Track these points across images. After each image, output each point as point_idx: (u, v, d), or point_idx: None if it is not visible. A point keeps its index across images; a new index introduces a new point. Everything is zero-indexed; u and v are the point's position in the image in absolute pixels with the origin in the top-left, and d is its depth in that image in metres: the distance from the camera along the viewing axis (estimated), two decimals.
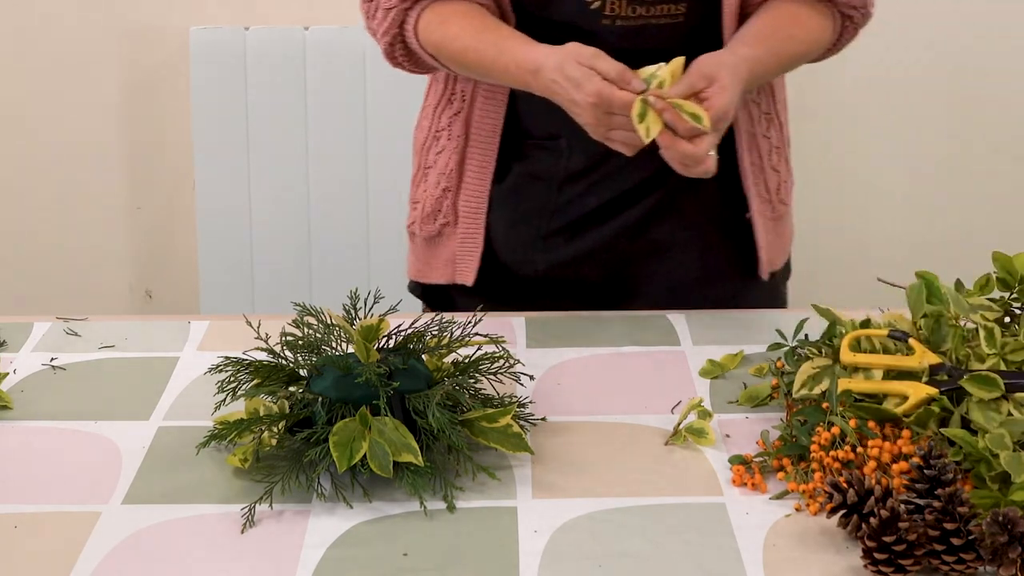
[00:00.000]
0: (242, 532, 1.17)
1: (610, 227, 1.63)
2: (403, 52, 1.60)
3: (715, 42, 1.53)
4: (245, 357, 1.31)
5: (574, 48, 1.41)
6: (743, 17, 1.55)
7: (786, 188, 1.71)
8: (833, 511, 1.13)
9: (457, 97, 1.64)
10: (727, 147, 1.59)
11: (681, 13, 1.52)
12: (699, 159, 1.37)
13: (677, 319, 1.57)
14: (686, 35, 1.53)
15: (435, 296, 1.72)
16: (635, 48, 1.48)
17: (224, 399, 1.29)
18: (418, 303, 1.75)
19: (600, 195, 1.62)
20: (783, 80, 1.71)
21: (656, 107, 1.36)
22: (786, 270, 1.77)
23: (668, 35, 1.53)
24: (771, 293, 1.72)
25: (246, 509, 1.18)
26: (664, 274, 1.65)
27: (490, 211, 1.65)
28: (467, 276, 1.66)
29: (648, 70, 1.38)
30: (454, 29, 1.53)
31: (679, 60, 1.39)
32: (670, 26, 1.52)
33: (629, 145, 1.40)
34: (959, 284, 1.41)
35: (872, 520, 1.08)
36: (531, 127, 1.61)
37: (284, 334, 1.32)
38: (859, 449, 1.21)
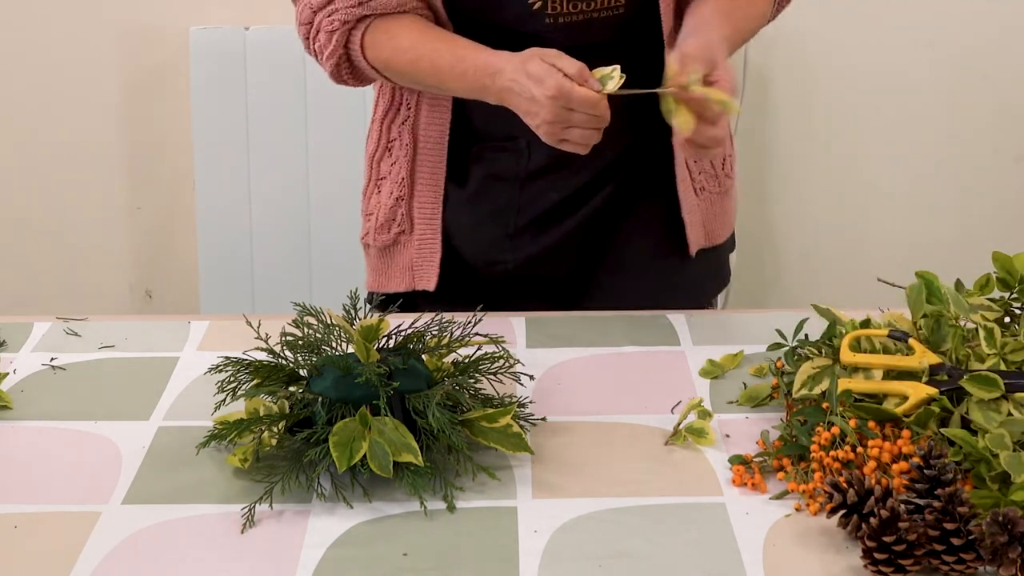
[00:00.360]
0: (242, 532, 1.17)
1: (574, 219, 1.66)
2: (348, 71, 1.60)
3: (655, 32, 1.55)
4: (245, 357, 1.31)
5: (537, 49, 1.44)
6: (679, 5, 1.57)
7: (731, 161, 1.74)
8: (833, 511, 1.13)
9: (403, 106, 1.65)
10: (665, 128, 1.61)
11: (621, 5, 1.54)
12: (721, 140, 1.41)
13: (677, 319, 1.57)
14: (627, 27, 1.56)
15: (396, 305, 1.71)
16: (578, 44, 1.49)
17: (224, 399, 1.29)
18: None
19: (562, 190, 1.64)
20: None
21: (686, 101, 1.39)
22: (731, 242, 1.81)
23: (610, 28, 1.55)
24: (716, 264, 1.77)
25: (246, 509, 1.18)
26: (622, 258, 1.68)
27: (451, 215, 1.67)
28: (428, 282, 1.67)
29: (603, 71, 1.40)
30: (405, 42, 1.54)
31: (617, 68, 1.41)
32: (612, 19, 1.55)
33: (583, 144, 1.42)
34: (959, 284, 1.41)
35: (872, 520, 1.08)
36: (486, 130, 1.63)
37: (284, 334, 1.32)
38: (859, 449, 1.20)
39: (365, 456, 1.19)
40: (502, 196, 1.65)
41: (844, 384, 1.28)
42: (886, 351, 1.34)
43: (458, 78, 1.50)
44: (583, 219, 1.66)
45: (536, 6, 1.52)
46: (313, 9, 1.57)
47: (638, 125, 1.60)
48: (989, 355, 1.29)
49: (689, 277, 1.70)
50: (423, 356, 1.32)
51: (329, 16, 1.55)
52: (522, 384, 1.40)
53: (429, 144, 1.64)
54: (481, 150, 1.64)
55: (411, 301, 1.70)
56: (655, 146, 1.63)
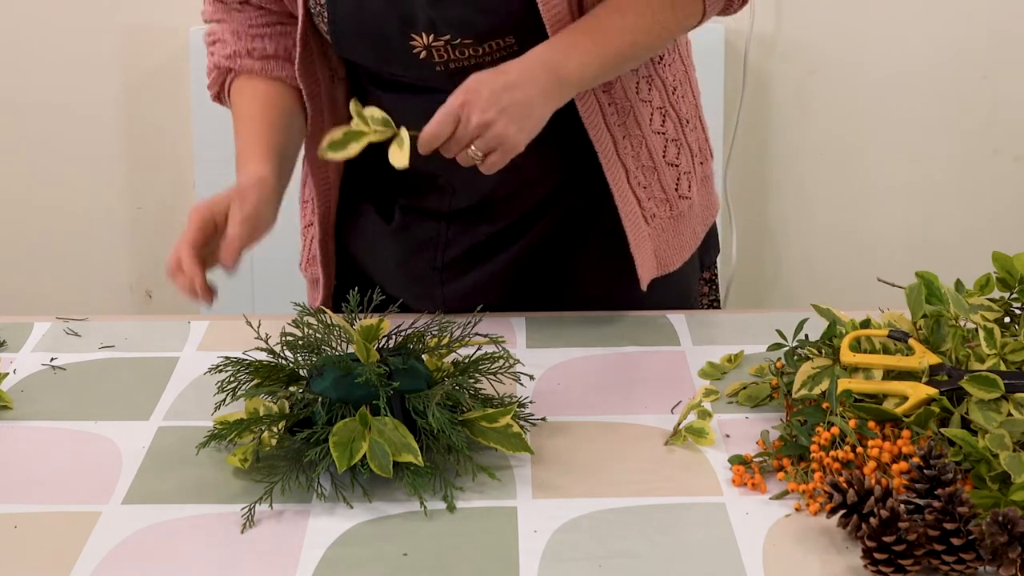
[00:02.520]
0: (242, 532, 1.17)
1: (507, 254, 1.61)
2: (228, 101, 1.66)
3: None
4: (245, 357, 1.31)
5: (240, 185, 1.57)
6: None
7: (688, 179, 1.64)
8: (833, 511, 1.13)
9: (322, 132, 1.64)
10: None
11: (513, 45, 1.46)
12: (427, 145, 1.37)
13: (677, 319, 1.57)
14: None
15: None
16: None
17: (224, 399, 1.29)
18: None
19: (493, 224, 1.60)
20: (677, 66, 1.63)
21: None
22: (693, 266, 1.69)
23: None
24: (674, 293, 1.65)
25: (246, 509, 1.18)
26: (568, 291, 1.62)
27: (378, 251, 1.65)
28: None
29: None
30: (243, 109, 1.64)
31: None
32: (505, 59, 1.44)
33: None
34: (959, 284, 1.41)
35: (872, 520, 1.08)
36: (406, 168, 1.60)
37: (284, 334, 1.32)
38: (859, 449, 1.21)
39: (365, 456, 1.19)
40: (428, 229, 1.61)
41: (844, 384, 1.28)
42: (886, 351, 1.34)
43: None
44: (517, 253, 1.60)
45: (422, 56, 1.48)
46: (207, 32, 1.62)
47: (571, 158, 1.56)
48: (989, 355, 1.29)
49: (656, 302, 1.60)
50: (423, 356, 1.32)
51: (212, 54, 1.62)
52: (522, 384, 1.40)
53: (328, 181, 1.64)
54: (405, 186, 1.61)
55: None
56: (594, 178, 1.56)
